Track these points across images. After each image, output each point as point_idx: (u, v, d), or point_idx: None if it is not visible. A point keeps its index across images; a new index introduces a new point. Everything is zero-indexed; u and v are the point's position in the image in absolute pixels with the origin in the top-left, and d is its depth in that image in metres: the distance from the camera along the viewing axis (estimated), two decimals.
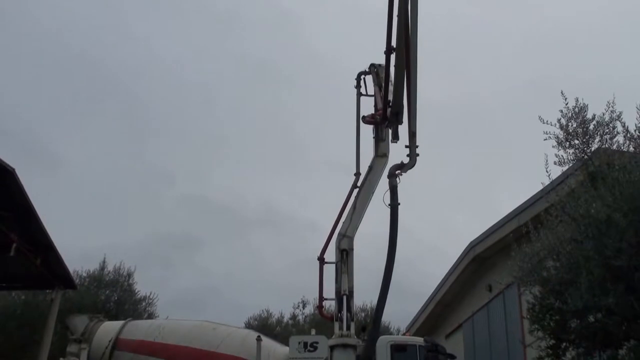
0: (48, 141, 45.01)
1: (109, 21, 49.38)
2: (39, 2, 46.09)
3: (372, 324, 10.42)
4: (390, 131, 11.13)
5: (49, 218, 13.73)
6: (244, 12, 53.67)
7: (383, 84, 11.08)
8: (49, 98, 44.95)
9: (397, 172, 10.35)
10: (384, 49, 9.75)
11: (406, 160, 10.26)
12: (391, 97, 10.24)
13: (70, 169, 44.80)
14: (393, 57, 9.49)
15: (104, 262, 22.82)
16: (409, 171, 10.31)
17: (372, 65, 12.47)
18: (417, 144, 10.02)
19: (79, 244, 32.33)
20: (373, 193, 11.02)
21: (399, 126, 10.49)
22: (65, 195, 41.45)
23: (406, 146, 10.10)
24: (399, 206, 10.04)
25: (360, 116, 12.13)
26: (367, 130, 11.75)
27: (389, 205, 10.11)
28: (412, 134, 9.85)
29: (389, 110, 10.50)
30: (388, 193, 10.21)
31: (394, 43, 9.35)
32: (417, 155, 10.10)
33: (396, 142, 10.69)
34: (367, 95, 12.27)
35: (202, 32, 52.65)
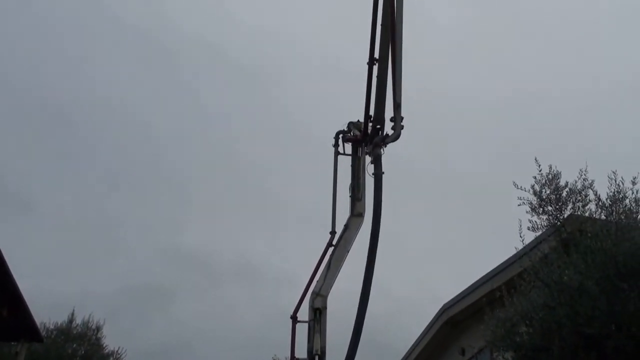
0: (18, 185, 44.35)
1: (82, 68, 49.45)
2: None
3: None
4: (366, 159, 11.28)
5: (17, 265, 13.44)
6: (219, 66, 54.23)
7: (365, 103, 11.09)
8: (18, 139, 44.53)
9: (381, 143, 10.35)
10: (367, 60, 10.03)
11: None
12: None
13: (41, 215, 44.05)
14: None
15: (72, 314, 22.38)
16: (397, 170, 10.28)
17: (351, 123, 12.61)
18: (402, 115, 9.91)
19: (47, 293, 31.54)
20: (348, 252, 11.00)
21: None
22: (35, 242, 40.61)
23: (391, 119, 10.02)
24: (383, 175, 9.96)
25: (341, 141, 12.17)
26: (344, 190, 11.81)
27: (373, 174, 10.11)
28: (397, 105, 9.76)
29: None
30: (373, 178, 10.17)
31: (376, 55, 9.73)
32: (402, 127, 9.97)
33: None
34: (344, 154, 12.35)
35: (176, 86, 52.93)
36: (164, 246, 47.08)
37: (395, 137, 10.01)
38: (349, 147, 12.58)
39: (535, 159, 8.00)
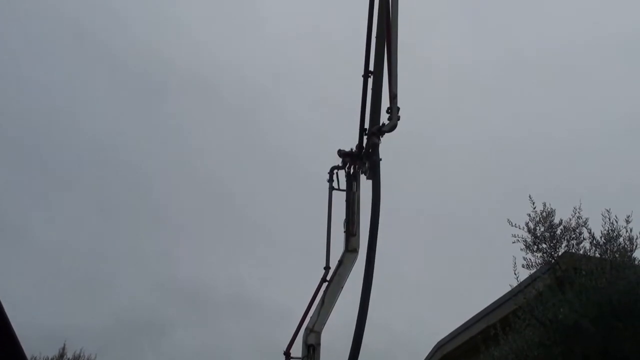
0: (12, 213, 44.13)
1: (70, 104, 49.74)
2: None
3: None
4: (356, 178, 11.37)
5: (7, 297, 13.29)
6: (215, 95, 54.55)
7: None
8: (11, 166, 44.40)
9: (377, 132, 10.28)
10: (362, 73, 10.28)
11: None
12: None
13: (33, 247, 43.74)
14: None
15: (63, 348, 22.29)
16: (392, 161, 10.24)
17: (340, 151, 12.62)
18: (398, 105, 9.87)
19: (38, 326, 31.17)
20: (342, 288, 10.93)
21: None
22: (27, 274, 40.27)
23: (387, 111, 9.96)
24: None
25: (337, 154, 12.11)
26: (339, 226, 11.80)
27: (369, 161, 10.22)
28: (394, 96, 9.72)
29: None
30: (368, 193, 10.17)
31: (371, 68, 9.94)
32: (399, 118, 9.88)
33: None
34: (339, 189, 12.37)
35: (165, 120, 53.04)
36: (156, 279, 46.73)
37: (392, 126, 9.86)
38: (343, 183, 12.60)
39: (530, 197, 8.04)
